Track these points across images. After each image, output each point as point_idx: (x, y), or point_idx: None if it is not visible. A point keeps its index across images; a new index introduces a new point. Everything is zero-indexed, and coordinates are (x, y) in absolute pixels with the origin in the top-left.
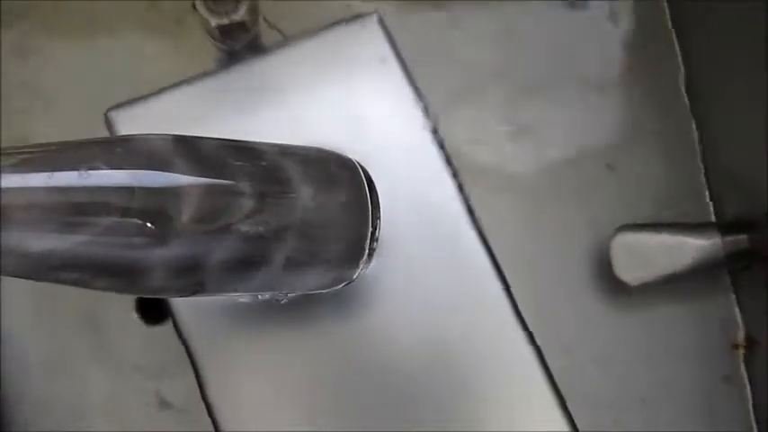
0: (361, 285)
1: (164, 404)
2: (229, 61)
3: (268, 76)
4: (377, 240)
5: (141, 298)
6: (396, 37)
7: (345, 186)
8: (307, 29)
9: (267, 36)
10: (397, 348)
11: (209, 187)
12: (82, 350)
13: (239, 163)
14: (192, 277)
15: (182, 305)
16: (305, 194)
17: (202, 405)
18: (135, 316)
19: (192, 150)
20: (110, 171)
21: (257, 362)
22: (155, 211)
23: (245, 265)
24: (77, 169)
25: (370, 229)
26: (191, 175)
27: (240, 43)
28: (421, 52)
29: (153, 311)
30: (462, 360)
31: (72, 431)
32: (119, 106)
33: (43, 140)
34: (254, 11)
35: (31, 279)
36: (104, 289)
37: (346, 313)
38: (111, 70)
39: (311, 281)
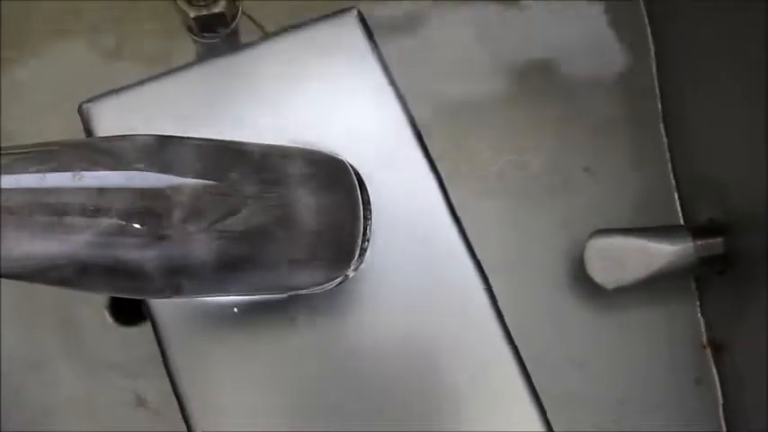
0: (342, 286)
1: (140, 403)
2: (207, 55)
3: (247, 71)
4: (368, 240)
5: (114, 298)
6: (376, 33)
7: (337, 186)
8: (287, 25)
9: (248, 33)
10: (376, 348)
11: (200, 187)
12: (57, 348)
13: (230, 163)
14: (182, 278)
15: (160, 305)
16: (296, 195)
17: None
18: (108, 317)
19: (182, 150)
20: (102, 172)
21: (234, 363)
22: (146, 211)
23: (236, 266)
24: (70, 170)
25: (362, 229)
26: (182, 175)
27: (219, 37)
28: (402, 50)
29: (128, 312)
30: (441, 360)
31: (46, 429)
32: (94, 99)
33: (17, 134)
34: (233, 4)
35: (20, 280)
36: (92, 290)
37: (325, 314)
38: (87, 62)
39: (302, 280)
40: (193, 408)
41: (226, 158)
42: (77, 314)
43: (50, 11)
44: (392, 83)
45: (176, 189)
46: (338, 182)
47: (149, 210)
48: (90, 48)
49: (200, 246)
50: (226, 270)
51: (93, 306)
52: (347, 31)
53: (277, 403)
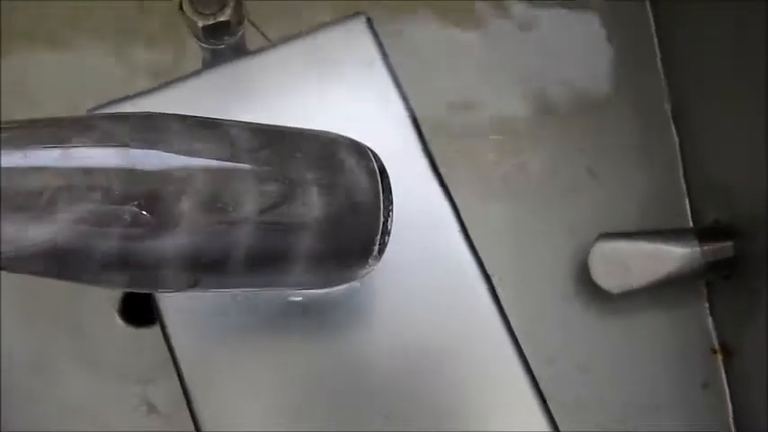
0: (349, 291)
1: (151, 408)
2: (214, 62)
3: (253, 78)
4: (389, 234)
5: (126, 300)
6: (384, 40)
7: (357, 173)
8: (295, 31)
9: (254, 39)
10: (382, 353)
11: (215, 171)
12: (67, 352)
13: (248, 144)
14: (192, 273)
15: (170, 308)
16: (320, 181)
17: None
18: (118, 319)
19: (196, 129)
20: (94, 148)
21: (243, 366)
22: (149, 196)
23: (253, 262)
24: (59, 146)
25: (382, 220)
26: (194, 155)
27: (225, 44)
28: (409, 56)
29: (139, 313)
30: (448, 365)
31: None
32: (101, 107)
33: None
34: (240, 11)
35: (7, 270)
36: (90, 283)
37: (332, 318)
38: (94, 71)
39: (318, 279)
40: (203, 411)
41: (246, 140)
42: (87, 317)
43: (57, 16)
44: (399, 90)
45: (189, 172)
46: (358, 169)
47: (155, 195)
48: (97, 53)
49: (216, 239)
50: (241, 268)
51: (106, 308)
52: (356, 38)
53: (286, 406)
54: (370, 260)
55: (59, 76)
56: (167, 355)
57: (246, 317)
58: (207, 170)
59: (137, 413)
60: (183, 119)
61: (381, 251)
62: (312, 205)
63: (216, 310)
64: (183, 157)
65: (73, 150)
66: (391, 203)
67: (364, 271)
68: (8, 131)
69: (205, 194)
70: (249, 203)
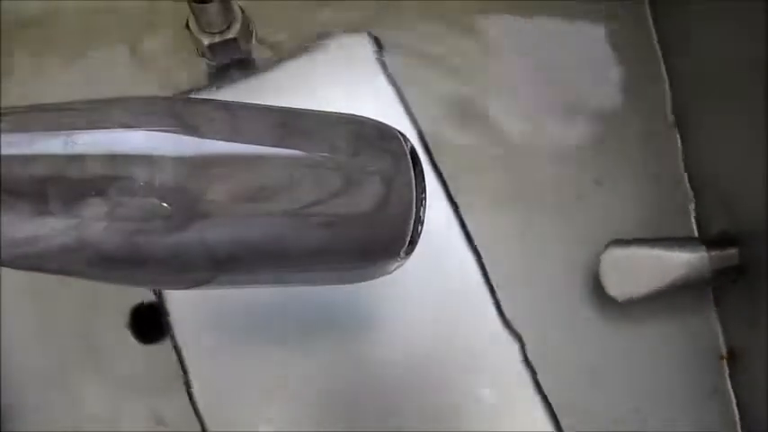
0: (353, 298)
1: (160, 422)
2: (220, 78)
3: (258, 94)
4: (422, 223)
5: (136, 315)
6: (388, 53)
7: (389, 158)
8: (300, 45)
9: (260, 54)
10: (389, 360)
11: (251, 159)
12: (78, 365)
13: (275, 130)
14: (216, 270)
15: (180, 321)
16: (360, 169)
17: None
18: (129, 334)
19: (221, 113)
20: (108, 133)
21: (252, 379)
22: (172, 187)
23: (280, 260)
24: (70, 131)
25: (415, 208)
26: (222, 139)
27: (232, 61)
28: (413, 68)
29: (149, 328)
30: (451, 368)
31: None
32: None
33: None
34: (246, 29)
35: (16, 268)
36: (104, 280)
37: (342, 332)
38: (104, 87)
39: (347, 275)
40: (211, 421)
41: (268, 124)
42: (102, 330)
43: (70, 33)
44: (403, 103)
45: (220, 159)
46: (390, 155)
47: (178, 185)
48: (104, 67)
49: (243, 234)
50: (266, 265)
51: (117, 322)
52: (358, 53)
53: (294, 415)
54: (402, 252)
55: (65, 90)
56: (177, 367)
57: (254, 329)
58: (241, 157)
59: (147, 426)
60: (220, 103)
61: (414, 242)
62: (354, 195)
63: (225, 323)
64: (213, 141)
65: (81, 136)
66: (424, 191)
67: (396, 264)
68: (10, 116)
69: (235, 186)
70: (288, 194)
